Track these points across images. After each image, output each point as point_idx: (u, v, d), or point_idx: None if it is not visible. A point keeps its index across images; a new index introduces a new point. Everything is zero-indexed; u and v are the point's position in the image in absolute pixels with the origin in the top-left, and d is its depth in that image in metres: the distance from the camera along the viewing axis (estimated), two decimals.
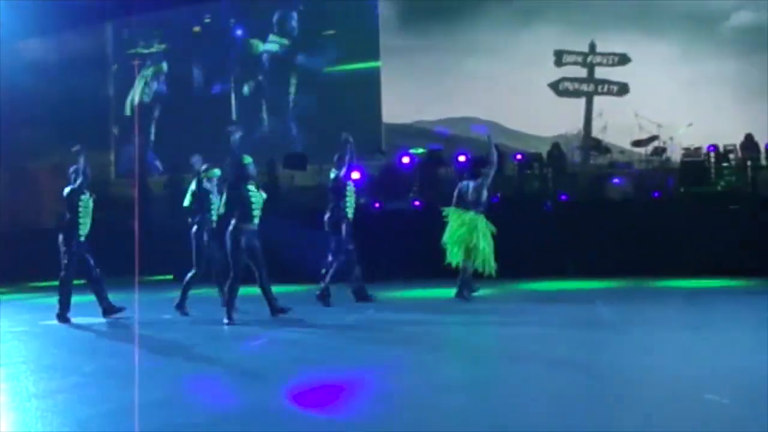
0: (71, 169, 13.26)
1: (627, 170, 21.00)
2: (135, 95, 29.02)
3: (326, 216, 13.87)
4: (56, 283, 13.38)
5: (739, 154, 20.30)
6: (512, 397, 6.62)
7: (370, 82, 26.11)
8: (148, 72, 29.17)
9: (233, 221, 11.86)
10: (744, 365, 7.47)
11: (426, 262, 16.28)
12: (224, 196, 12.28)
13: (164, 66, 29.10)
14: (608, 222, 18.00)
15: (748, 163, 19.94)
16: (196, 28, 29.00)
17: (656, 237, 17.34)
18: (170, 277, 21.11)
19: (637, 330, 10.21)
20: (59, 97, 27.10)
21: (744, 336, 9.49)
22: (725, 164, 20.11)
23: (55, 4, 24.50)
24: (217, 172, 13.42)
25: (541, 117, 23.29)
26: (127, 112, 29.13)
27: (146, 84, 29.18)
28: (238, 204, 11.88)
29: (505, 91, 23.71)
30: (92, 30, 29.28)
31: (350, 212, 13.79)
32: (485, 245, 13.82)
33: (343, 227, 13.68)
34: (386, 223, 18.68)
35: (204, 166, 13.58)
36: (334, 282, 13.83)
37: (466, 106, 24.74)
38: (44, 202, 26.53)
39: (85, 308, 13.27)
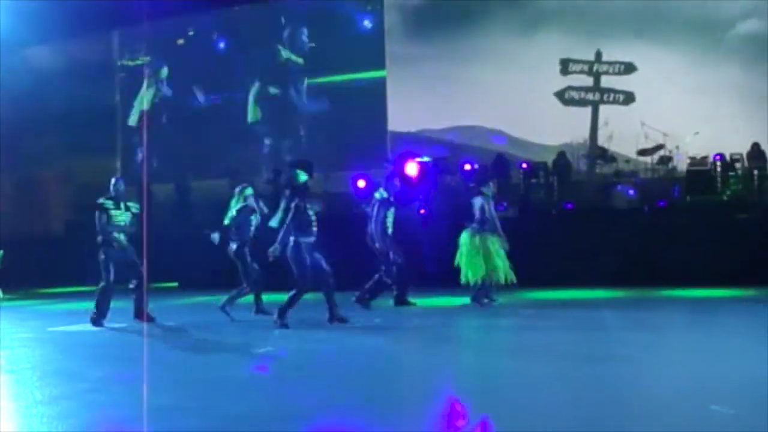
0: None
1: (633, 179, 21.00)
2: (144, 101, 29.06)
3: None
4: (63, 289, 13.38)
5: (746, 163, 20.28)
6: (522, 404, 6.62)
7: (376, 91, 26.19)
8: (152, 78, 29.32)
9: (292, 236, 11.88)
10: (751, 376, 7.44)
11: (431, 270, 16.28)
12: (280, 212, 12.31)
13: (165, 71, 29.20)
14: (614, 231, 17.98)
15: (755, 172, 19.92)
16: (180, 41, 29.19)
17: (662, 246, 17.31)
18: (175, 284, 21.15)
19: (642, 339, 10.20)
20: (65, 104, 27.19)
21: (751, 346, 9.46)
22: (732, 173, 20.08)
23: (60, 12, 24.59)
24: (250, 190, 13.72)
25: (547, 126, 23.29)
26: (133, 122, 29.15)
27: (153, 86, 29.30)
28: (296, 219, 11.90)
29: (510, 99, 23.71)
30: (98, 38, 29.39)
31: (388, 229, 14.38)
32: (500, 262, 14.03)
33: (385, 243, 14.27)
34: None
35: (239, 187, 13.83)
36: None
37: (472, 115, 24.77)
38: (51, 209, 26.63)
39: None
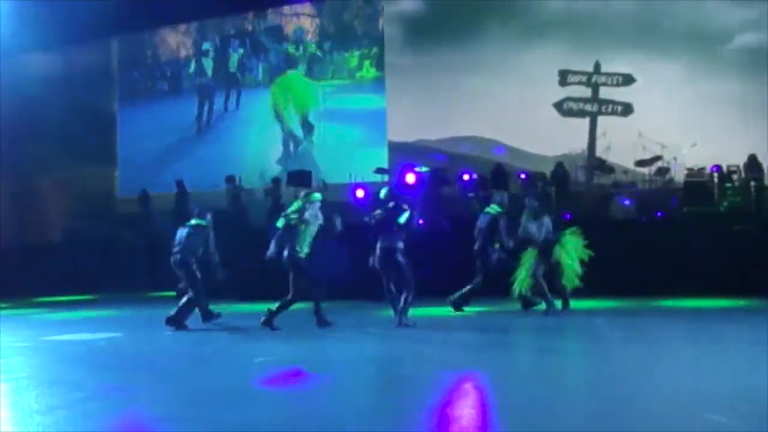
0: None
1: (630, 190, 20.99)
2: None
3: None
4: (60, 298, 13.37)
5: (743, 174, 20.27)
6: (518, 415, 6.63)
7: (376, 101, 26.40)
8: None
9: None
10: (746, 385, 7.46)
11: (429, 280, 16.27)
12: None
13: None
14: (611, 241, 17.94)
15: (752, 183, 19.90)
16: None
17: (659, 257, 17.31)
18: (173, 294, 21.10)
19: (638, 349, 10.23)
20: (64, 111, 27.19)
21: (746, 356, 9.49)
22: (729, 185, 20.07)
23: (61, 17, 24.62)
24: (318, 196, 13.35)
25: (546, 136, 23.29)
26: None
27: None
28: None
29: (509, 110, 23.73)
30: (98, 44, 29.42)
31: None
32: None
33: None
34: None
35: (303, 192, 13.62)
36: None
37: (471, 125, 24.79)
38: (49, 217, 26.60)
39: (90, 324, 13.26)
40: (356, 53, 26.97)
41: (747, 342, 10.79)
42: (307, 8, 28.02)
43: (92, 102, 28.62)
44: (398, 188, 15.44)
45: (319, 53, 27.53)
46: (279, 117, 27.76)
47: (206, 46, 29.48)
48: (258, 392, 7.97)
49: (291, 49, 27.91)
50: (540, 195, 16.95)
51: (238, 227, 21.28)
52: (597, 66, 23.78)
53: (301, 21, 27.96)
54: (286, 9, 28.20)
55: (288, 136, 27.54)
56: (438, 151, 24.81)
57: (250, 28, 28.91)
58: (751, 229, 17.61)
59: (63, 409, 7.29)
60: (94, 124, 28.46)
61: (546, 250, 14.69)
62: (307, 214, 12.91)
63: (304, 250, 12.90)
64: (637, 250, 17.64)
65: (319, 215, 13.12)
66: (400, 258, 13.03)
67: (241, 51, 28.80)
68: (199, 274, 13.64)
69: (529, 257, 14.59)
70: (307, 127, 27.24)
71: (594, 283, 16.34)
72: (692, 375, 8.28)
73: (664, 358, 9.56)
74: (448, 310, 15.08)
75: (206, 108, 28.99)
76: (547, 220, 15.01)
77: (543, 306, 14.48)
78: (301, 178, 23.03)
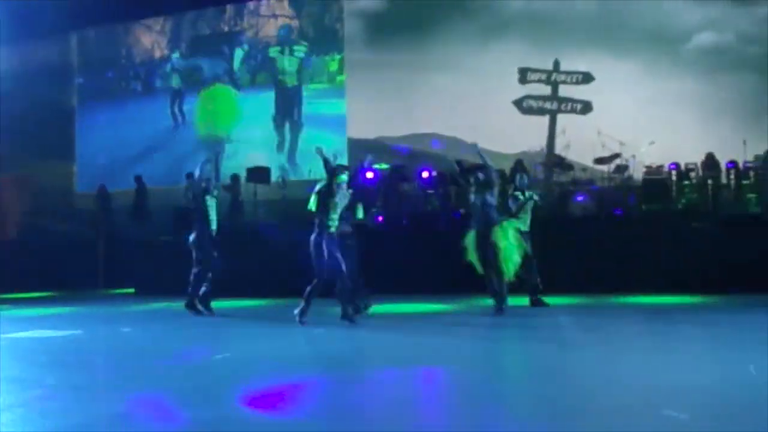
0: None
1: (589, 187, 21.11)
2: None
3: None
4: (15, 295, 13.22)
5: (700, 172, 20.48)
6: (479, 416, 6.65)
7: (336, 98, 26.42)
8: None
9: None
10: (703, 382, 7.52)
11: (388, 277, 16.30)
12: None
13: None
14: (570, 239, 18.08)
15: (709, 181, 20.14)
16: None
17: (617, 254, 17.44)
18: (132, 290, 20.99)
19: (596, 345, 10.29)
20: (22, 106, 26.93)
21: (703, 352, 9.58)
22: (686, 182, 20.28)
23: (19, 12, 24.39)
24: (344, 177, 13.01)
25: (505, 134, 23.36)
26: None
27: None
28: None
29: (468, 107, 23.78)
30: (57, 40, 29.19)
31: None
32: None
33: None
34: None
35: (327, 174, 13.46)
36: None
37: (430, 122, 24.82)
38: (5, 212, 26.33)
39: (48, 321, 13.13)
40: (337, 57, 26.92)
41: (704, 339, 10.90)
42: (285, 9, 27.85)
43: (50, 98, 28.40)
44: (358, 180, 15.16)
45: (299, 56, 27.44)
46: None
47: (174, 44, 29.31)
48: (218, 390, 7.94)
49: (272, 51, 27.82)
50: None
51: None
52: (556, 64, 23.93)
53: (279, 23, 27.83)
54: (264, 9, 28.04)
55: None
56: (398, 148, 24.84)
57: (226, 28, 28.79)
58: (708, 226, 17.79)
59: (21, 407, 7.21)
60: (52, 119, 28.25)
61: (486, 232, 14.04)
62: (337, 197, 12.80)
63: (330, 229, 12.73)
64: (596, 247, 17.78)
65: (347, 194, 13.09)
66: (351, 242, 13.42)
67: (207, 52, 28.70)
68: (214, 253, 14.22)
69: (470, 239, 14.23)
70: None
71: (553, 279, 16.45)
72: (650, 371, 8.32)
73: (622, 354, 9.61)
74: (407, 306, 15.13)
75: (171, 107, 28.82)
76: (489, 198, 14.36)
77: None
78: (259, 175, 23.00)
